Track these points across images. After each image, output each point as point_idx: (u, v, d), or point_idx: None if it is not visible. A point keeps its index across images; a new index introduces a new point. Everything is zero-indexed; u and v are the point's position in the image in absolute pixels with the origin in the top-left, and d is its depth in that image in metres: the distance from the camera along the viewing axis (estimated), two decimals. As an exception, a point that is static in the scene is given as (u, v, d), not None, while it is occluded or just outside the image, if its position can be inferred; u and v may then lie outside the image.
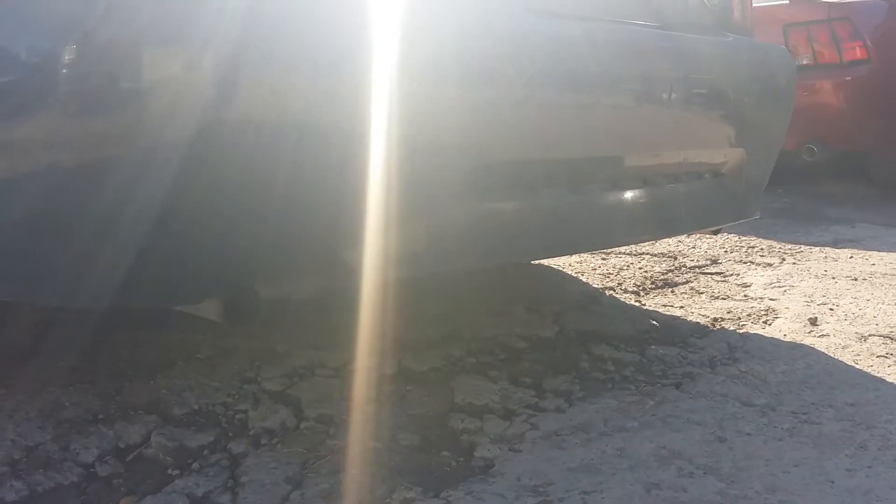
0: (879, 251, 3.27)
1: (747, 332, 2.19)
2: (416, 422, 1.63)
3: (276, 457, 1.50)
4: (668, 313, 2.39)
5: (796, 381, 1.81)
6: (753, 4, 2.35)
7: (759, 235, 3.49)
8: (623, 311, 2.43)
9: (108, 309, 1.42)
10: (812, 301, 2.52)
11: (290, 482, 1.42)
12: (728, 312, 2.42)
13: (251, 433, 1.59)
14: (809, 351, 2.02)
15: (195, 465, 1.48)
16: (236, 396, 1.72)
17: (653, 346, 2.06)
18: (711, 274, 2.93)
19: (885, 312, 2.36)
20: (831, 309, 2.42)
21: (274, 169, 1.14)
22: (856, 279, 2.78)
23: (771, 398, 1.71)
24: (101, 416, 1.60)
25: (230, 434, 1.59)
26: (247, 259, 1.20)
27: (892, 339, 2.12)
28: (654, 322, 2.30)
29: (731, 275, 2.91)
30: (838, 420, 1.60)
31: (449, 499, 1.33)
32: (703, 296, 2.63)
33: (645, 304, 2.50)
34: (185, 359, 1.86)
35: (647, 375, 1.87)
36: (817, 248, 3.32)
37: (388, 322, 1.65)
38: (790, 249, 3.28)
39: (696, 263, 3.08)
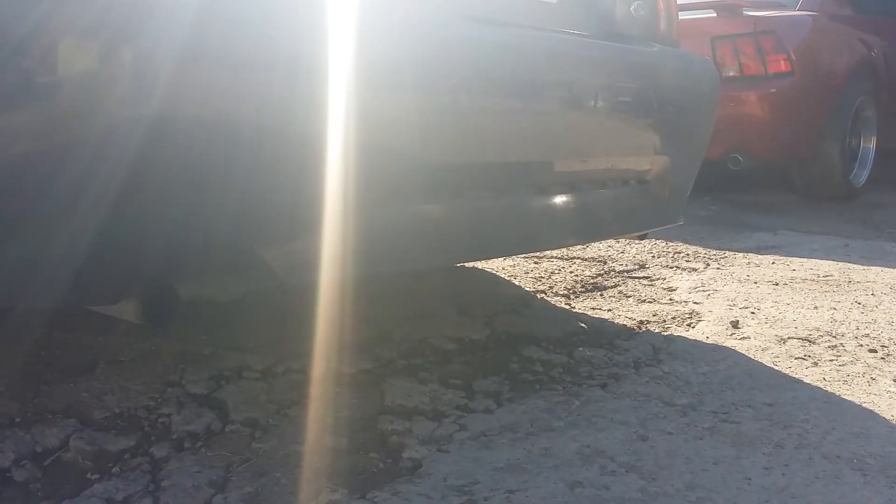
0: (800, 257, 3.39)
1: (672, 335, 2.24)
2: (345, 424, 1.62)
3: (199, 460, 1.48)
4: (597, 316, 2.43)
5: (717, 382, 1.86)
6: (681, 17, 2.42)
7: (686, 241, 3.58)
8: (553, 314, 2.46)
9: (21, 309, 1.38)
10: (734, 305, 2.59)
11: (214, 486, 1.40)
12: (654, 315, 2.47)
13: (174, 437, 1.57)
14: (730, 353, 2.08)
15: (115, 470, 1.45)
16: (159, 400, 1.69)
17: (580, 348, 2.10)
18: (639, 278, 2.99)
19: (804, 316, 2.45)
20: (753, 312, 2.50)
21: (192, 167, 1.13)
22: (777, 284, 2.88)
23: (692, 398, 1.76)
24: (17, 420, 1.55)
25: (152, 438, 1.56)
26: (164, 258, 1.18)
27: (810, 341, 2.20)
28: (583, 325, 2.33)
29: (658, 279, 2.98)
30: (757, 420, 1.65)
31: (375, 499, 1.33)
32: (631, 299, 2.69)
33: (575, 308, 2.54)
34: (106, 361, 1.82)
35: (574, 376, 1.90)
36: (741, 254, 3.42)
37: (316, 324, 1.64)
38: (715, 255, 3.37)
39: (625, 268, 3.14)
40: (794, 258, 3.35)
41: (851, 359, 2.05)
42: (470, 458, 1.47)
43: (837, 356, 2.07)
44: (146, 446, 1.53)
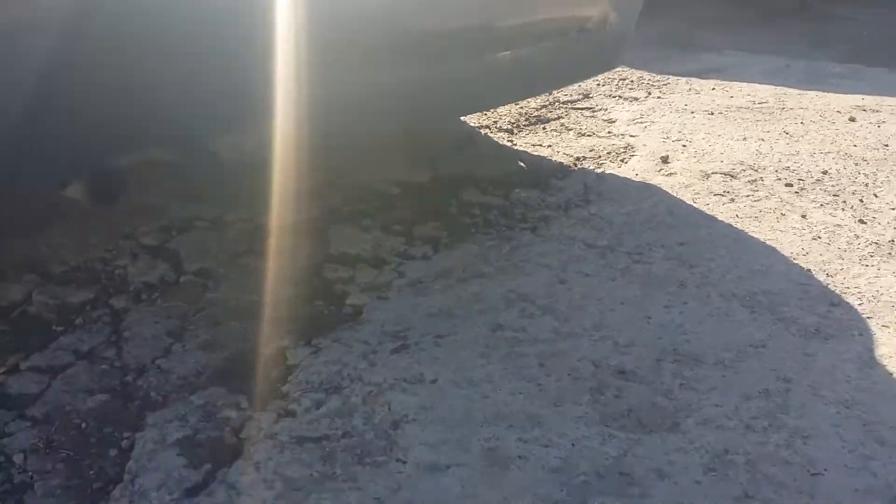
0: (741, 81, 3.46)
1: (605, 172, 2.36)
2: (293, 273, 1.75)
3: (156, 311, 1.61)
4: (537, 153, 2.54)
5: (638, 222, 2.01)
6: None
7: (633, 66, 3.61)
8: (495, 152, 2.55)
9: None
10: (668, 137, 2.70)
11: (172, 335, 1.54)
12: (591, 151, 2.58)
13: (131, 289, 1.69)
14: (656, 191, 2.22)
15: (79, 321, 1.58)
16: (114, 252, 1.80)
17: (517, 189, 2.22)
18: (582, 109, 3.07)
19: (732, 149, 2.57)
20: (684, 146, 2.61)
21: (122, 52, 1.16)
22: (712, 113, 2.98)
23: (612, 240, 1.91)
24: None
25: (111, 290, 1.68)
26: (106, 142, 1.24)
27: (732, 176, 2.34)
28: (522, 164, 2.44)
29: (600, 110, 3.06)
30: (667, 259, 1.81)
31: (319, 346, 1.48)
32: (571, 133, 2.78)
33: (516, 144, 2.64)
34: (61, 215, 1.90)
35: (508, 219, 2.03)
36: (684, 80, 3.49)
37: (265, 174, 1.72)
38: (658, 81, 3.43)
39: (570, 98, 3.20)
40: (734, 83, 3.43)
41: (767, 194, 2.20)
42: (406, 304, 1.62)
43: (754, 191, 2.22)
44: (105, 298, 1.65)
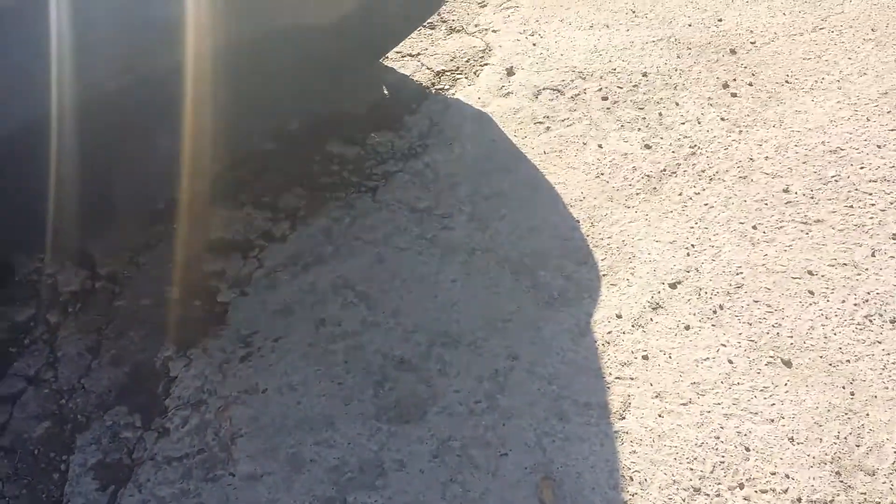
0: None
1: (453, 99, 2.60)
2: (178, 270, 2.15)
3: (79, 325, 2.05)
4: (402, 69, 2.74)
5: (461, 172, 2.31)
6: None
7: None
8: (366, 76, 2.76)
9: None
10: (525, 32, 2.86)
11: (91, 351, 1.99)
12: (452, 60, 2.78)
13: (61, 300, 2.12)
14: (488, 123, 2.47)
15: (26, 341, 2.03)
16: (46, 260, 2.21)
17: (373, 134, 2.50)
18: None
19: (574, 45, 2.74)
20: (534, 44, 2.79)
21: None
22: (574, -14, 3.07)
23: (432, 200, 2.23)
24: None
25: (47, 303, 2.09)
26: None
27: (560, 91, 2.57)
28: (385, 91, 2.68)
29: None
30: (469, 221, 2.15)
31: (191, 357, 1.93)
32: (443, 28, 2.95)
33: (388, 55, 2.82)
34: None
35: (359, 176, 2.35)
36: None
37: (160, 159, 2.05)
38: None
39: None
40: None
41: (581, 114, 2.45)
42: (258, 301, 2.03)
43: (572, 111, 2.47)
44: (43, 313, 2.10)
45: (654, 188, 2.12)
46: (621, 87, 2.49)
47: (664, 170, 2.17)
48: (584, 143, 2.31)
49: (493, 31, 2.86)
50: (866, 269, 1.78)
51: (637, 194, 2.11)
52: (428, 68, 2.73)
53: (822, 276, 1.79)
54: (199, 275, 2.10)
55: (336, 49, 2.13)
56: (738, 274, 1.83)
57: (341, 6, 1.99)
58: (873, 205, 1.94)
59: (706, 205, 2.03)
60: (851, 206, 1.95)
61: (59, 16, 1.48)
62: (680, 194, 2.07)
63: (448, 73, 2.69)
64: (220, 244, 2.16)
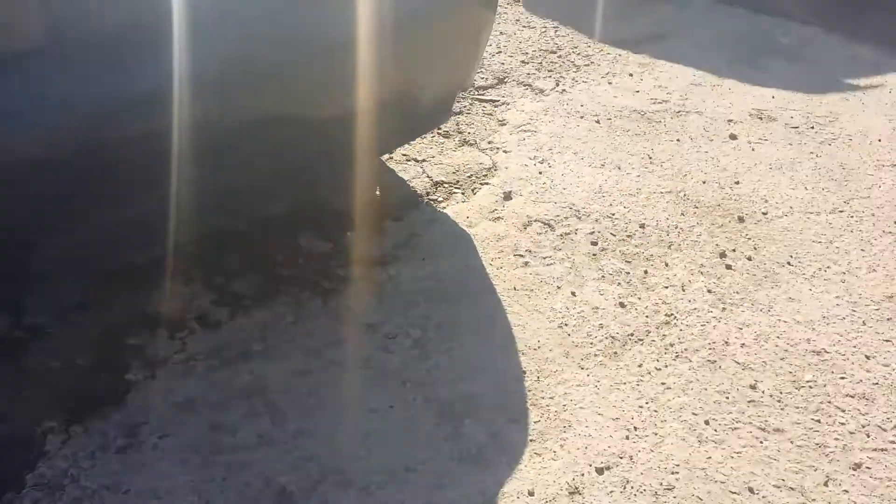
0: (667, 61, 3.32)
1: (441, 213, 2.44)
2: (100, 333, 1.97)
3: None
4: (402, 174, 2.60)
5: (423, 292, 2.10)
6: None
7: (579, 28, 3.49)
8: (363, 172, 2.63)
9: None
10: (535, 157, 2.71)
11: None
12: (454, 173, 2.64)
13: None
14: (467, 246, 2.28)
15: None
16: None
17: (349, 233, 2.35)
18: (486, 101, 3.07)
19: (579, 182, 2.57)
20: (540, 173, 2.63)
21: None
22: (599, 121, 2.93)
23: (382, 316, 2.03)
24: None
25: None
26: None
27: (550, 226, 2.38)
28: (378, 194, 2.54)
29: (502, 104, 3.05)
30: (413, 347, 1.92)
31: (72, 433, 1.74)
32: (455, 140, 2.82)
33: (394, 156, 2.71)
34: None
35: (319, 275, 2.18)
36: (614, 54, 3.37)
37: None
38: (590, 55, 3.33)
39: (485, 83, 3.19)
40: (659, 63, 3.30)
41: (565, 255, 2.25)
42: (162, 388, 1.84)
43: (556, 250, 2.27)
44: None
45: (615, 353, 1.89)
46: (614, 235, 2.30)
47: (631, 334, 1.94)
48: (558, 288, 2.11)
49: (504, 152, 2.73)
50: (813, 501, 1.51)
51: (595, 355, 1.89)
52: (428, 176, 2.59)
53: (763, 497, 1.52)
54: (117, 346, 1.94)
55: (336, 141, 2.01)
56: (673, 473, 1.57)
57: (343, 102, 1.88)
58: (843, 424, 1.67)
59: (663, 384, 1.79)
60: (819, 421, 1.68)
61: None
62: (640, 366, 1.84)
63: (446, 186, 2.54)
64: (151, 317, 2.02)
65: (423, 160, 2.70)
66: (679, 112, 2.94)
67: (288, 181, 2.12)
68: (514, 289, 2.11)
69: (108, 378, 1.86)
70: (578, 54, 3.37)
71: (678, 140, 2.76)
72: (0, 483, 1.63)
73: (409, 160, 2.70)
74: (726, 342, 1.90)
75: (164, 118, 1.64)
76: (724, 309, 2.01)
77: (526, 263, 2.20)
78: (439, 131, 2.84)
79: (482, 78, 3.20)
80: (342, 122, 1.97)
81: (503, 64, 3.29)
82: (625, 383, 1.79)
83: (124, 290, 2.07)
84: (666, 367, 1.83)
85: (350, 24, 1.85)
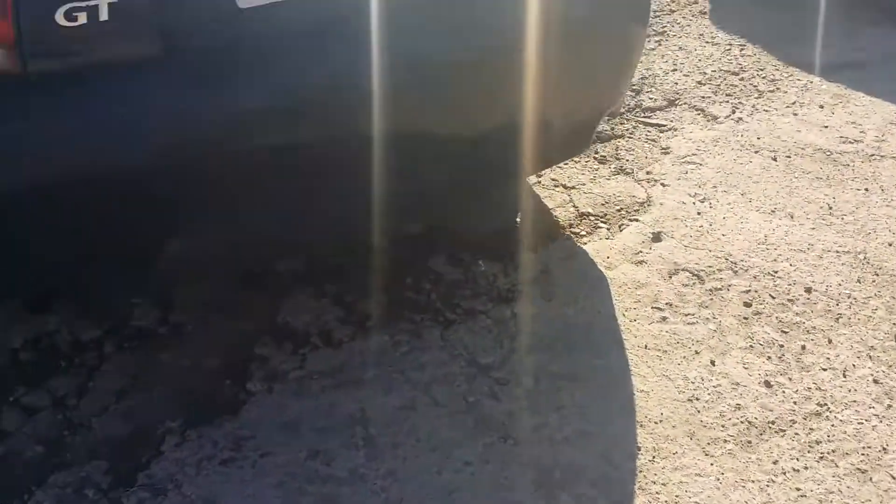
0: (865, 94, 2.93)
1: (580, 249, 2.27)
2: (231, 340, 2.00)
3: (123, 365, 1.99)
4: (547, 201, 2.45)
5: (544, 335, 1.97)
6: None
7: (770, 48, 3.16)
8: (506, 195, 2.51)
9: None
10: (696, 195, 2.47)
11: (117, 395, 1.92)
12: (603, 205, 2.46)
13: (125, 332, 2.08)
14: (600, 291, 2.11)
15: (76, 362, 2.00)
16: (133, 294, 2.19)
17: (481, 262, 2.24)
18: (651, 125, 2.85)
19: (743, 228, 2.30)
20: (698, 213, 2.39)
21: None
22: (776, 158, 2.62)
23: (497, 357, 1.92)
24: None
25: (111, 331, 2.06)
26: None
27: (700, 278, 2.15)
28: (518, 220, 2.42)
29: (668, 130, 2.82)
30: (519, 398, 1.80)
31: (186, 437, 1.77)
32: (610, 167, 2.64)
33: (542, 180, 2.57)
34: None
35: (443, 303, 2.10)
36: (805, 80, 3.02)
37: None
38: (778, 79, 3.01)
39: (653, 103, 2.97)
40: (856, 94, 2.92)
41: (711, 314, 2.02)
42: (275, 404, 1.84)
43: (701, 308, 2.04)
44: (103, 339, 2.06)
45: (749, 442, 1.66)
46: (773, 298, 2.03)
47: (773, 422, 1.70)
48: (696, 353, 1.89)
49: (662, 185, 2.50)
50: None
51: (725, 441, 1.67)
52: (574, 206, 2.43)
53: None
54: (245, 353, 1.97)
55: (474, 162, 1.93)
56: None
57: (480, 122, 1.81)
58: None
59: (798, 490, 1.54)
60: None
61: None
62: (775, 462, 1.60)
63: (591, 218, 2.37)
64: (281, 328, 2.03)
65: (573, 187, 2.53)
66: (872, 156, 2.57)
67: (426, 200, 2.05)
68: (646, 347, 1.91)
69: (230, 386, 1.88)
70: (763, 78, 3.03)
71: (866, 189, 2.41)
72: (115, 476, 1.68)
73: (557, 186, 2.55)
74: (884, 449, 1.61)
75: (306, 130, 1.62)
76: (889, 406, 1.71)
77: (664, 319, 1.99)
78: (595, 156, 2.66)
79: (650, 98, 2.96)
80: (480, 142, 1.87)
81: (676, 84, 3.03)
82: (753, 481, 1.56)
83: (262, 296, 2.09)
84: (806, 468, 1.58)
85: (489, 41, 1.75)
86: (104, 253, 1.59)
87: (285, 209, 1.77)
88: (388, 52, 1.59)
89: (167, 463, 1.69)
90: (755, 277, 2.08)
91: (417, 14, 1.63)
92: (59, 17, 1.35)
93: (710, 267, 2.14)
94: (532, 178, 2.56)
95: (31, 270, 1.61)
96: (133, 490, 1.64)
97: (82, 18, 1.36)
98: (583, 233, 2.31)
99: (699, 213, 2.34)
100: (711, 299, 2.03)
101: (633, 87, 3.02)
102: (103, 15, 1.38)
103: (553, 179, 2.57)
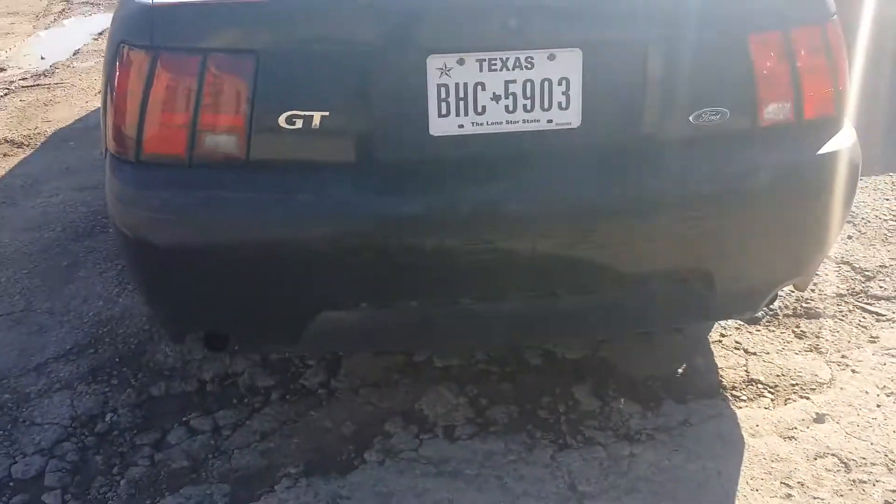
0: None
1: (731, 411, 2.23)
2: (372, 413, 2.29)
3: (279, 412, 2.32)
4: (721, 360, 2.44)
5: (652, 482, 1.95)
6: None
7: None
8: (687, 346, 2.51)
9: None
10: (883, 388, 2.30)
11: (263, 435, 2.25)
12: (777, 376, 2.40)
13: (292, 386, 2.44)
14: (736, 456, 2.04)
15: (246, 400, 2.41)
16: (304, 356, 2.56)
17: (620, 400, 2.31)
18: (869, 313, 2.72)
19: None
20: (879, 405, 2.21)
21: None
22: None
23: (596, 489, 1.93)
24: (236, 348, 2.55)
25: (284, 381, 2.44)
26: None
27: (846, 465, 1.99)
28: (682, 368, 2.43)
29: (886, 321, 2.67)
30: None
31: (309, 485, 1.99)
32: (804, 343, 2.56)
33: (724, 340, 2.56)
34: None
35: (568, 427, 2.19)
36: None
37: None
38: None
39: (882, 292, 2.83)
40: None
41: (843, 503, 1.88)
42: (379, 476, 2.03)
43: (834, 495, 1.89)
44: (274, 388, 2.44)
45: None
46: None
47: None
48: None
49: (853, 371, 2.38)
50: None
51: None
52: (746, 371, 2.40)
53: None
54: (375, 427, 2.22)
55: (636, 307, 2.06)
56: None
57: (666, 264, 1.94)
58: None
59: None
60: None
61: None
62: None
63: (758, 386, 2.33)
64: (412, 414, 2.26)
65: (754, 353, 2.50)
66: None
67: (589, 328, 2.18)
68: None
69: (351, 450, 2.13)
70: None
71: None
72: (231, 500, 1.99)
73: (738, 349, 2.53)
74: None
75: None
76: None
77: (789, 496, 1.90)
78: (795, 329, 2.60)
79: (881, 286, 2.82)
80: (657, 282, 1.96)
81: (918, 272, 2.85)
82: None
83: (411, 382, 2.34)
84: None
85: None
86: (268, 308, 1.94)
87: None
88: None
89: (273, 500, 1.97)
90: (914, 481, 1.90)
91: None
92: (282, 121, 1.75)
93: (863, 458, 1.99)
94: (713, 336, 2.57)
95: (213, 311, 2.01)
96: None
97: (299, 124, 1.75)
98: (742, 397, 2.27)
99: (878, 406, 2.19)
100: (850, 490, 1.89)
101: (866, 272, 2.90)
102: (315, 124, 1.75)
103: (736, 342, 2.55)
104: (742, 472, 1.96)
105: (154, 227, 1.81)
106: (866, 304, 2.71)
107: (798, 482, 1.93)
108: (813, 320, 2.62)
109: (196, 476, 2.06)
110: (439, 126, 1.74)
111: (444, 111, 1.73)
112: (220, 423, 2.25)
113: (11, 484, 2.04)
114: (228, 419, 2.26)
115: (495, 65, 1.71)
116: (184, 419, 2.26)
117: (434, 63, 1.70)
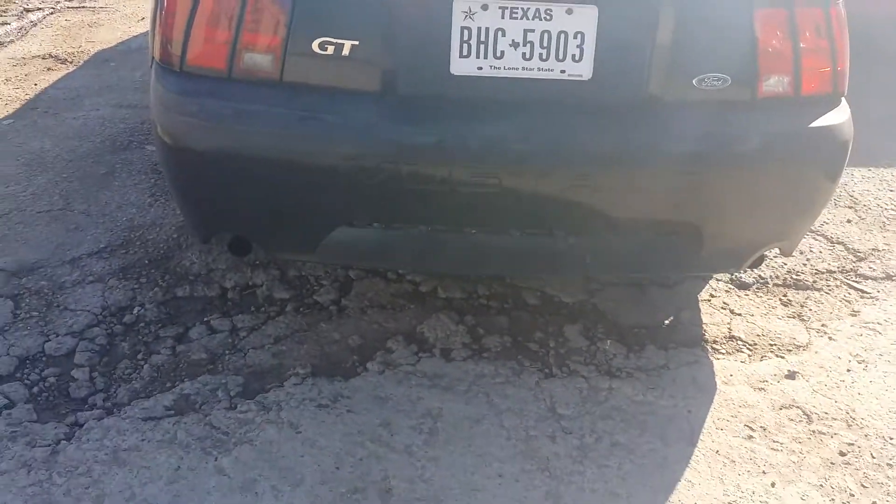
0: None
1: (708, 361, 2.45)
2: (377, 331, 2.51)
3: (292, 322, 2.57)
4: (707, 317, 2.64)
5: (627, 414, 2.18)
6: None
7: None
8: (680, 301, 2.71)
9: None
10: (856, 356, 2.49)
11: (275, 339, 2.52)
12: (757, 336, 2.61)
13: (306, 301, 2.69)
14: (707, 399, 2.27)
15: (263, 309, 2.66)
16: (319, 274, 2.82)
17: (608, 341, 2.53)
18: (855, 290, 2.91)
19: (882, 396, 2.30)
20: (849, 370, 2.42)
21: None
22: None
23: (574, 413, 2.17)
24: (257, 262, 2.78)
25: (299, 296, 2.69)
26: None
27: (808, 418, 2.21)
28: (669, 320, 2.65)
29: (870, 298, 2.86)
30: (573, 450, 2.06)
31: (305, 382, 2.29)
32: (789, 310, 2.77)
33: (713, 300, 2.75)
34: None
35: (556, 360, 2.42)
36: None
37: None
38: None
39: (870, 273, 3.02)
40: None
41: (801, 450, 2.08)
42: (378, 383, 2.26)
43: (794, 441, 2.10)
44: (289, 301, 2.69)
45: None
46: (873, 458, 2.05)
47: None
48: (763, 472, 1.99)
49: (830, 339, 2.58)
50: None
51: (739, 545, 1.78)
52: (729, 328, 2.61)
53: None
54: (381, 343, 2.45)
55: (631, 255, 2.27)
56: None
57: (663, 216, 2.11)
58: None
59: None
60: None
61: None
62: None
63: (737, 342, 2.53)
64: (415, 335, 2.48)
65: (739, 314, 2.71)
66: None
67: (581, 269, 2.39)
68: (716, 452, 2.06)
69: (355, 360, 2.37)
70: None
71: None
72: (243, 389, 2.24)
73: (724, 308, 2.73)
74: None
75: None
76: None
77: (750, 437, 2.12)
78: (782, 297, 2.80)
79: (871, 268, 3.01)
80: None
81: (906, 253, 3.04)
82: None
83: (416, 307, 2.57)
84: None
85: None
86: (289, 217, 2.17)
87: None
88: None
89: (282, 393, 2.22)
90: (866, 436, 2.12)
91: None
92: (315, 45, 1.96)
93: (826, 413, 2.20)
94: (703, 296, 2.77)
95: (239, 215, 2.23)
96: (248, 401, 2.18)
97: (330, 50, 1.95)
98: (721, 350, 2.49)
99: (848, 370, 2.40)
100: (809, 438, 2.11)
101: (859, 253, 3.09)
102: (345, 52, 1.96)
103: (724, 303, 2.76)
104: (710, 413, 2.18)
105: (191, 130, 2.02)
106: (854, 281, 2.90)
107: (761, 426, 2.14)
108: (801, 291, 2.82)
109: (213, 367, 2.31)
110: (460, 66, 1.94)
111: (465, 52, 1.92)
112: (238, 325, 2.49)
113: (44, 358, 2.30)
114: (245, 323, 2.50)
115: (516, 13, 1.90)
116: (205, 319, 2.50)
117: (459, 6, 1.89)
